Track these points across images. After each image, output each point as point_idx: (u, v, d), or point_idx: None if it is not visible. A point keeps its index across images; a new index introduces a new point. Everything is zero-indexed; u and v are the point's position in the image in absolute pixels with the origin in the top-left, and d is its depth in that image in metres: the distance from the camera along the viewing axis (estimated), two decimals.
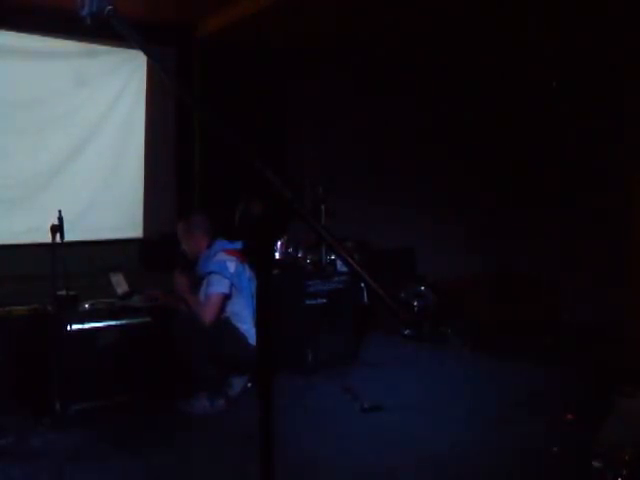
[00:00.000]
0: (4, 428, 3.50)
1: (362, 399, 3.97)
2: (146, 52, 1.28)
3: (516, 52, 6.32)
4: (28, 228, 4.80)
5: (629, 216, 6.05)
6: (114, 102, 5.44)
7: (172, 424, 3.76)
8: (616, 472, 2.73)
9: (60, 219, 3.83)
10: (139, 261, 5.53)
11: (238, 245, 4.19)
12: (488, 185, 7.21)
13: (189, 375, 4.00)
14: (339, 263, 5.05)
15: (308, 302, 4.81)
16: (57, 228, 3.83)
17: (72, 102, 5.23)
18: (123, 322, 4.07)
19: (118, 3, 1.25)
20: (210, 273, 4.08)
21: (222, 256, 4.12)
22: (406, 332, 5.79)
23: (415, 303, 6.00)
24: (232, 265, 4.09)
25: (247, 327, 4.08)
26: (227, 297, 4.07)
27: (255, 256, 1.22)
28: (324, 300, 4.88)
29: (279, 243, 5.05)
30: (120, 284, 4.30)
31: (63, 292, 3.86)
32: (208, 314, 3.96)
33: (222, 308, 4.06)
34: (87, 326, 3.94)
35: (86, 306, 4.11)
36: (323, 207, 5.07)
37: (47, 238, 3.85)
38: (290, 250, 5.09)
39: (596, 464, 2.80)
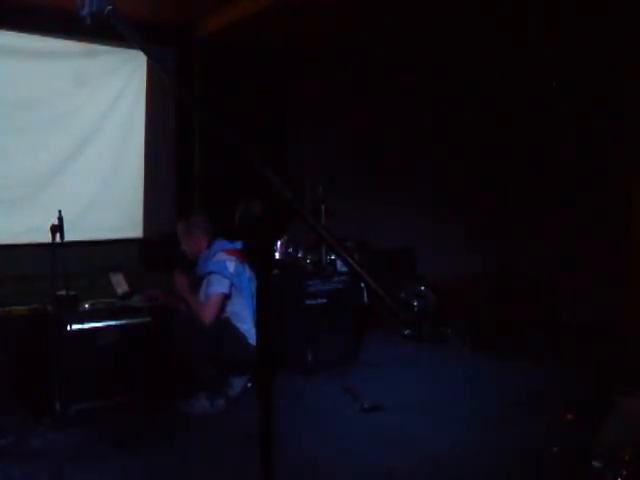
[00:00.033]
0: (4, 428, 3.50)
1: (362, 399, 3.97)
2: (146, 52, 1.28)
3: (516, 52, 6.32)
4: (28, 228, 4.80)
5: (629, 216, 6.05)
6: (114, 102, 5.44)
7: (172, 424, 3.76)
8: (616, 472, 2.73)
9: (60, 219, 3.84)
10: (139, 261, 5.53)
11: (238, 245, 4.19)
12: (488, 185, 7.20)
13: (189, 375, 4.00)
14: (339, 263, 5.05)
15: (308, 302, 4.81)
16: (57, 228, 3.83)
17: (72, 102, 5.23)
18: (123, 322, 4.07)
19: (118, 3, 1.25)
20: (210, 273, 4.08)
21: (222, 256, 4.12)
22: (406, 332, 5.79)
23: (415, 303, 6.00)
24: (232, 265, 4.09)
25: (247, 327, 4.08)
26: (227, 297, 4.07)
27: (255, 256, 1.22)
28: (324, 300, 4.88)
29: (279, 243, 5.05)
30: (120, 284, 4.30)
31: (63, 292, 3.86)
32: (208, 314, 3.96)
33: (222, 308, 4.06)
34: (87, 326, 3.94)
35: (86, 306, 4.11)
36: (323, 207, 5.07)
37: (47, 238, 3.85)
38: (290, 250, 5.09)
39: (596, 464, 2.80)
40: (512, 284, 6.76)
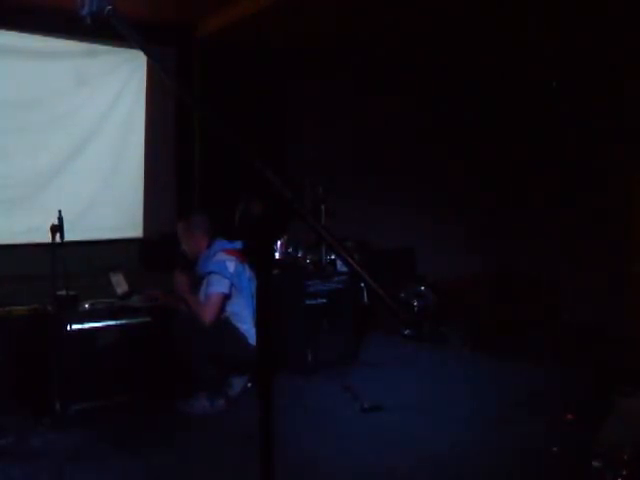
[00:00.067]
0: (4, 428, 3.50)
1: (362, 399, 3.97)
2: (146, 52, 1.28)
3: (516, 52, 6.32)
4: (28, 228, 4.79)
5: (629, 216, 6.05)
6: (114, 102, 5.44)
7: (172, 424, 3.76)
8: (616, 472, 2.73)
9: (60, 219, 3.84)
10: (139, 261, 5.53)
11: (238, 245, 4.19)
12: (488, 185, 7.20)
13: (189, 375, 4.00)
14: (339, 263, 5.05)
15: (308, 302, 4.81)
16: (57, 228, 3.83)
17: (72, 102, 5.23)
18: (123, 322, 4.07)
19: (118, 3, 1.25)
20: (210, 273, 4.08)
21: (222, 256, 4.12)
22: (406, 332, 5.79)
23: (415, 303, 6.00)
24: (232, 265, 4.09)
25: (247, 327, 4.08)
26: (227, 297, 4.07)
27: (255, 256, 1.22)
28: (324, 300, 4.88)
29: (279, 243, 5.05)
30: (120, 284, 4.30)
31: (63, 292, 3.86)
32: (208, 314, 3.96)
33: (222, 308, 4.06)
34: (87, 326, 3.94)
35: (86, 306, 4.11)
36: (323, 207, 5.07)
37: (47, 238, 3.85)
38: (290, 250, 5.09)
39: (596, 464, 2.80)
40: (512, 284, 6.75)
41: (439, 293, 6.08)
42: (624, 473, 2.71)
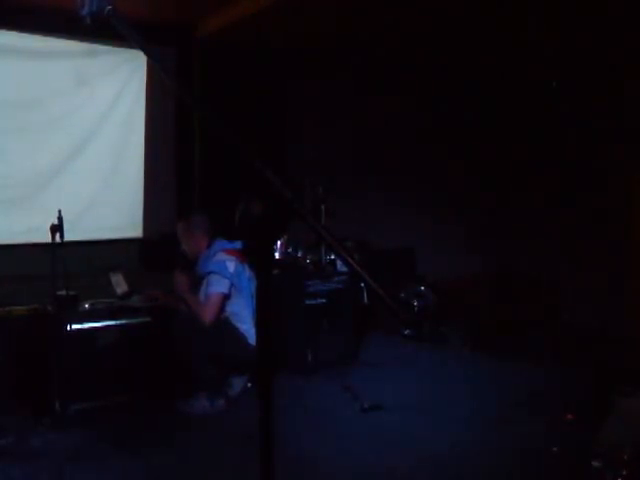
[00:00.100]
0: (4, 428, 3.50)
1: (362, 399, 3.97)
2: (146, 52, 1.28)
3: (516, 52, 6.32)
4: (28, 228, 4.79)
5: (629, 216, 6.05)
6: (114, 102, 5.44)
7: (172, 424, 3.76)
8: (616, 472, 2.73)
9: (60, 219, 3.84)
10: (139, 261, 5.53)
11: (238, 245, 4.19)
12: (488, 185, 7.20)
13: (189, 375, 4.00)
14: (339, 263, 5.05)
15: (308, 302, 4.81)
16: (57, 228, 3.83)
17: (72, 102, 5.23)
18: (123, 322, 4.07)
19: (118, 3, 1.25)
20: (210, 273, 4.08)
21: (222, 256, 4.12)
22: (406, 332, 5.79)
23: (415, 303, 6.00)
24: (232, 265, 4.09)
25: (247, 327, 4.08)
26: (227, 297, 4.07)
27: (255, 256, 1.22)
28: (324, 300, 4.88)
29: (279, 243, 5.05)
30: (120, 284, 4.30)
31: (63, 292, 3.86)
32: (208, 314, 3.96)
33: (222, 308, 4.06)
34: (87, 326, 3.94)
35: (86, 306, 4.11)
36: (323, 207, 5.07)
37: (47, 238, 3.85)
38: (290, 250, 5.09)
39: (596, 464, 2.80)
40: (512, 284, 6.75)
41: (439, 293, 6.08)
42: (624, 473, 2.71)
